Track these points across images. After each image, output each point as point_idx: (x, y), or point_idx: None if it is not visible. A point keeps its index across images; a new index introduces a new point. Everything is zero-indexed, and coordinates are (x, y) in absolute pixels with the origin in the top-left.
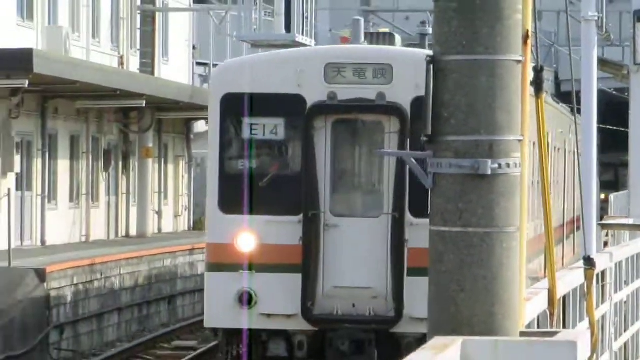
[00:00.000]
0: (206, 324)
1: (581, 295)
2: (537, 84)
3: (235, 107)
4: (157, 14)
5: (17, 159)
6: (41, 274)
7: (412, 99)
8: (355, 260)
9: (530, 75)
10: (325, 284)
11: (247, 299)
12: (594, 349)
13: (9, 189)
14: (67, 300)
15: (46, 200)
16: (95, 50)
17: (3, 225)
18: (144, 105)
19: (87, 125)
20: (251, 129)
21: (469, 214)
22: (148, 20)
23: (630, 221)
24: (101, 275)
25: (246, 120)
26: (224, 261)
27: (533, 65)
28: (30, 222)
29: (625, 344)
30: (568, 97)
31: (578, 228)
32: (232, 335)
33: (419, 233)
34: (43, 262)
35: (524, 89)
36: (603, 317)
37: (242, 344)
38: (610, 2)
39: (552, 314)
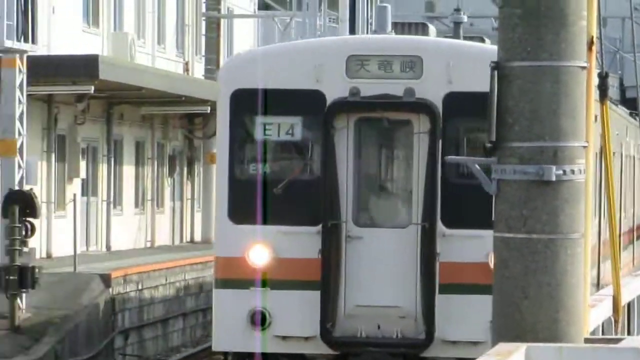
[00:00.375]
0: (214, 348)
1: None
2: (602, 90)
3: (247, 104)
4: (222, 20)
5: (82, 164)
6: (106, 279)
7: (444, 94)
8: (381, 275)
9: (595, 81)
10: (347, 303)
11: (260, 319)
12: None
13: (74, 195)
14: (132, 306)
15: (111, 206)
16: (160, 57)
17: (69, 231)
18: (208, 111)
19: (152, 131)
20: (264, 129)
21: (534, 220)
22: (213, 26)
23: None
24: (166, 280)
25: (259, 119)
26: (234, 277)
27: (598, 71)
28: (95, 228)
29: None
30: (633, 102)
31: (638, 237)
32: (244, 359)
33: (452, 245)
34: (108, 267)
35: (589, 95)
36: None
37: None
38: None
39: (616, 321)
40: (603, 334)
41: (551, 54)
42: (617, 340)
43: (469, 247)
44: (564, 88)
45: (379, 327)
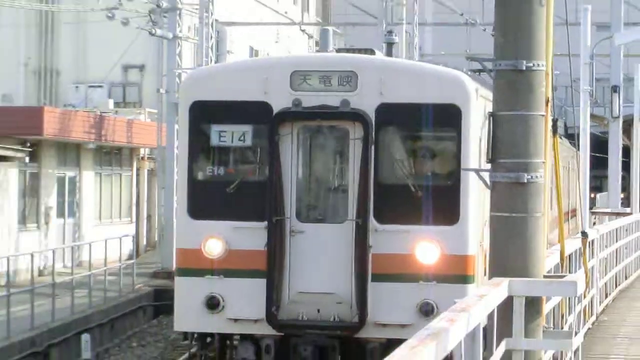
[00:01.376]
0: (175, 328)
1: (579, 254)
2: (554, 129)
3: (204, 114)
4: None
5: None
6: None
7: (377, 106)
8: (321, 265)
9: (550, 124)
10: (291, 289)
11: (213, 304)
12: (586, 286)
13: None
14: None
15: None
16: None
17: None
18: None
19: None
20: (219, 136)
21: (513, 205)
22: None
23: (608, 210)
24: None
25: (214, 127)
26: (192, 266)
27: (551, 118)
28: None
29: (605, 283)
30: (572, 137)
31: (573, 215)
32: (204, 338)
33: (383, 239)
34: None
35: (546, 131)
36: (592, 267)
37: (211, 347)
38: (597, 80)
39: (562, 265)
40: (553, 272)
41: (524, 108)
42: (562, 277)
43: (398, 240)
44: (531, 128)
45: (318, 311)
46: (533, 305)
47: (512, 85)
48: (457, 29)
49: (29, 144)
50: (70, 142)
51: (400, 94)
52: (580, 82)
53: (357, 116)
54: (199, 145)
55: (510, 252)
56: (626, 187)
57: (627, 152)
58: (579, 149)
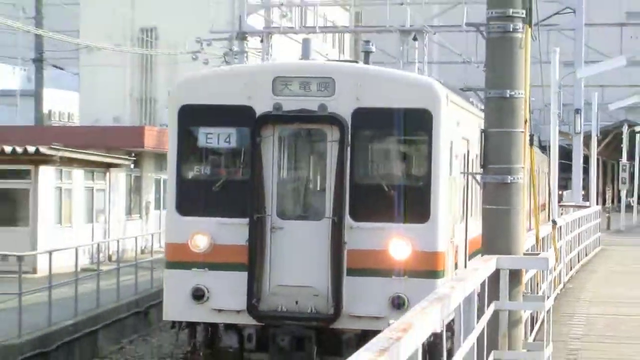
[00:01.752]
0: (164, 317)
1: (550, 237)
2: (531, 142)
3: (192, 117)
4: None
5: None
6: None
7: (353, 110)
8: (299, 260)
9: (527, 138)
10: (271, 282)
11: (199, 295)
12: (556, 261)
13: None
14: None
15: None
16: None
17: None
18: None
19: None
20: (206, 138)
21: (499, 200)
22: None
23: (572, 203)
24: None
25: (202, 130)
26: (180, 259)
27: (529, 134)
28: None
29: (570, 259)
30: (544, 148)
31: (543, 208)
32: (194, 327)
33: (358, 235)
34: None
35: (525, 144)
36: (560, 247)
37: (197, 335)
38: (564, 105)
39: (537, 246)
40: (530, 251)
41: (508, 126)
42: (537, 254)
43: (372, 237)
44: (513, 141)
45: (296, 303)
46: (515, 276)
47: (499, 109)
48: (457, 65)
49: (133, 154)
50: (164, 153)
51: (375, 99)
52: (551, 106)
53: (334, 120)
54: (186, 147)
55: (497, 235)
56: (585, 186)
57: (586, 159)
58: (549, 157)
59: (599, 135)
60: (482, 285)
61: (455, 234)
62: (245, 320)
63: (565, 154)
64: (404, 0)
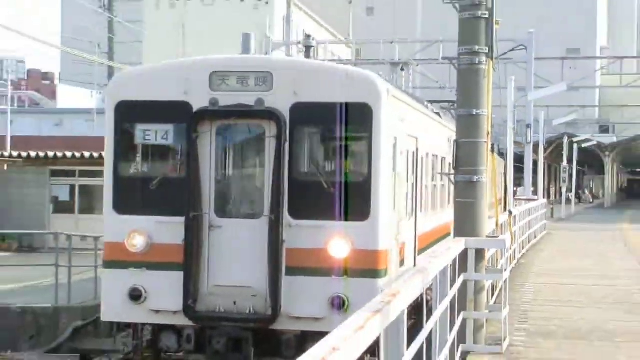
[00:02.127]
0: (102, 318)
1: (507, 223)
2: (492, 150)
3: (129, 113)
4: None
5: None
6: None
7: (291, 105)
8: (237, 259)
9: (489, 147)
10: (209, 282)
11: (136, 295)
12: (511, 242)
13: None
14: None
15: None
16: None
17: None
18: None
19: None
20: (144, 135)
21: (467, 195)
22: None
23: (524, 197)
24: None
25: (138, 126)
26: (117, 259)
27: (491, 143)
28: None
29: (522, 241)
30: (503, 154)
31: (501, 201)
32: (133, 328)
33: (297, 234)
34: None
35: (487, 151)
36: (515, 231)
37: (135, 336)
38: (518, 121)
39: (497, 230)
40: (492, 234)
41: (474, 137)
42: (497, 237)
43: (311, 235)
44: (478, 149)
45: (235, 304)
46: (479, 253)
47: (467, 124)
48: (435, 90)
49: None
50: None
51: (313, 93)
52: (508, 122)
53: (271, 115)
54: (123, 143)
55: (466, 222)
56: (534, 184)
57: (535, 163)
58: (506, 161)
59: (545, 144)
60: (454, 260)
61: (401, 230)
62: (183, 321)
63: (519, 159)
64: (394, 39)
